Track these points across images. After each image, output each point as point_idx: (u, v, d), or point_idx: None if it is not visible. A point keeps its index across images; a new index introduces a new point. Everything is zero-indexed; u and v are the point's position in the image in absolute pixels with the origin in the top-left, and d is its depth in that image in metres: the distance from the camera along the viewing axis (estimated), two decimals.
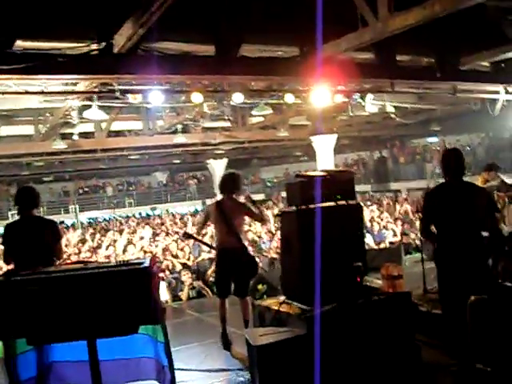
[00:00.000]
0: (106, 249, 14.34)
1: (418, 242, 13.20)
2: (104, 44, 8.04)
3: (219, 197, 7.58)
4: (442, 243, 5.45)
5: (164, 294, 10.21)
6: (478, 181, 9.95)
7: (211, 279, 11.23)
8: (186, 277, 11.16)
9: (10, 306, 4.06)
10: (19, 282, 4.14)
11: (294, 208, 5.47)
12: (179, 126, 18.99)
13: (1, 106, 14.70)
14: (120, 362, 4.68)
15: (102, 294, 4.07)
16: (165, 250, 13.83)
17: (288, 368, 4.22)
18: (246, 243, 7.34)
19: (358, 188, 28.20)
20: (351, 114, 16.94)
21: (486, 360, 4.56)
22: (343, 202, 5.58)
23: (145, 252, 13.61)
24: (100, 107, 12.63)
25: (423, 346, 5.92)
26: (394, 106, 16.09)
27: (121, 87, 10.27)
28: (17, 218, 6.62)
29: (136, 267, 4.22)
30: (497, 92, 12.60)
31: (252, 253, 7.81)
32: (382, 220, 16.87)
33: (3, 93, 10.25)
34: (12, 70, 7.71)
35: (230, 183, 7.28)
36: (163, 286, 10.35)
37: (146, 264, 4.22)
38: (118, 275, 4.16)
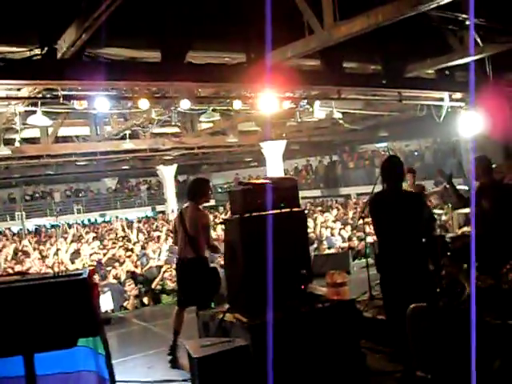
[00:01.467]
0: (52, 257, 14.02)
1: (361, 248, 13.37)
2: (46, 49, 7.87)
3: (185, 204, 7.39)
4: (383, 250, 5.52)
5: (109, 304, 10.04)
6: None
7: (158, 287, 11.11)
8: (130, 287, 11.02)
9: None
10: None
11: (236, 216, 5.43)
12: (127, 132, 18.77)
13: None
14: (59, 376, 4.55)
15: (39, 306, 3.95)
16: (112, 257, 13.62)
17: (230, 379, 4.18)
18: (207, 254, 7.15)
19: (307, 193, 28.44)
20: (299, 120, 17.06)
21: (426, 367, 4.60)
22: (287, 210, 5.57)
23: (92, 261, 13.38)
24: (45, 113, 12.37)
25: (369, 352, 5.98)
26: (342, 112, 16.24)
27: (65, 93, 10.08)
28: None
29: (74, 278, 4.11)
30: (441, 99, 12.85)
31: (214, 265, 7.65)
32: (330, 227, 16.97)
33: None
34: None
35: (191, 190, 7.14)
36: (108, 295, 10.17)
37: (85, 275, 4.12)
38: (55, 287, 4.05)
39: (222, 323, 5.19)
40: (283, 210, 5.49)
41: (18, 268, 12.21)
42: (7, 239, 21.56)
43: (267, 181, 5.60)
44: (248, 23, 8.79)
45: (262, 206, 5.29)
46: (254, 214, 5.27)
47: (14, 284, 4.25)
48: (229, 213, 6.55)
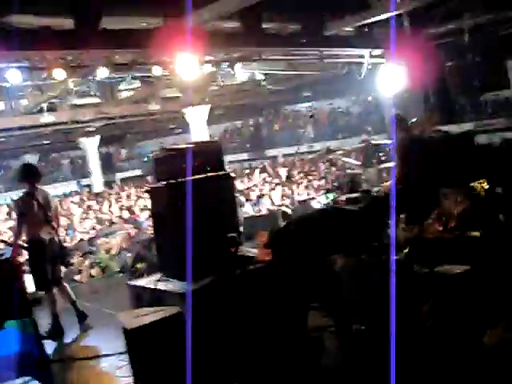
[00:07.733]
0: None
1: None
2: None
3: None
4: None
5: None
6: None
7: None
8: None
9: None
10: None
11: (162, 183, 5.31)
12: (45, 105, 18.09)
13: None
14: None
15: None
16: None
17: (164, 349, 4.11)
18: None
19: (235, 157, 28.14)
20: (222, 84, 16.86)
21: (360, 319, 4.69)
22: (213, 174, 5.49)
23: None
24: None
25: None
26: (265, 74, 16.14)
27: None
28: None
29: None
30: (362, 56, 12.94)
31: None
32: (258, 189, 16.93)
33: None
34: None
35: (31, 174, 7.01)
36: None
37: (7, 255, 3.96)
38: None
39: (155, 293, 5.11)
40: (209, 174, 5.41)
41: None
42: None
43: (191, 146, 5.49)
44: None
45: (187, 171, 5.19)
46: (180, 179, 5.16)
47: None
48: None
